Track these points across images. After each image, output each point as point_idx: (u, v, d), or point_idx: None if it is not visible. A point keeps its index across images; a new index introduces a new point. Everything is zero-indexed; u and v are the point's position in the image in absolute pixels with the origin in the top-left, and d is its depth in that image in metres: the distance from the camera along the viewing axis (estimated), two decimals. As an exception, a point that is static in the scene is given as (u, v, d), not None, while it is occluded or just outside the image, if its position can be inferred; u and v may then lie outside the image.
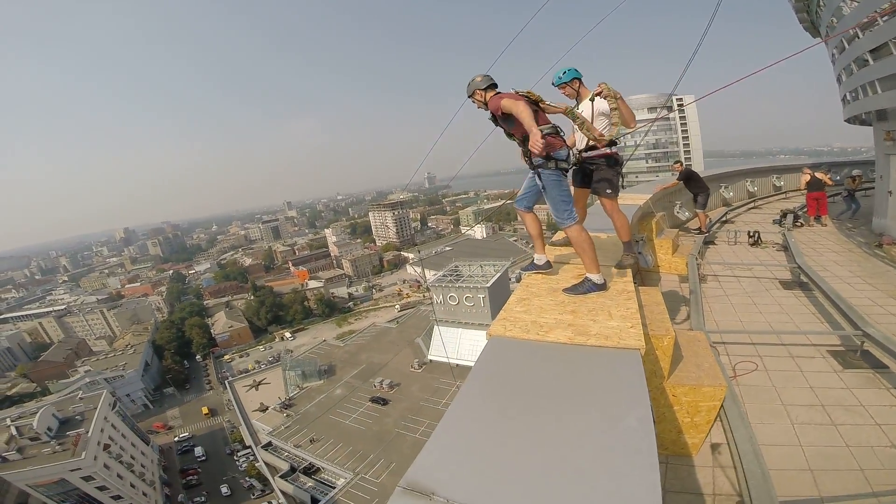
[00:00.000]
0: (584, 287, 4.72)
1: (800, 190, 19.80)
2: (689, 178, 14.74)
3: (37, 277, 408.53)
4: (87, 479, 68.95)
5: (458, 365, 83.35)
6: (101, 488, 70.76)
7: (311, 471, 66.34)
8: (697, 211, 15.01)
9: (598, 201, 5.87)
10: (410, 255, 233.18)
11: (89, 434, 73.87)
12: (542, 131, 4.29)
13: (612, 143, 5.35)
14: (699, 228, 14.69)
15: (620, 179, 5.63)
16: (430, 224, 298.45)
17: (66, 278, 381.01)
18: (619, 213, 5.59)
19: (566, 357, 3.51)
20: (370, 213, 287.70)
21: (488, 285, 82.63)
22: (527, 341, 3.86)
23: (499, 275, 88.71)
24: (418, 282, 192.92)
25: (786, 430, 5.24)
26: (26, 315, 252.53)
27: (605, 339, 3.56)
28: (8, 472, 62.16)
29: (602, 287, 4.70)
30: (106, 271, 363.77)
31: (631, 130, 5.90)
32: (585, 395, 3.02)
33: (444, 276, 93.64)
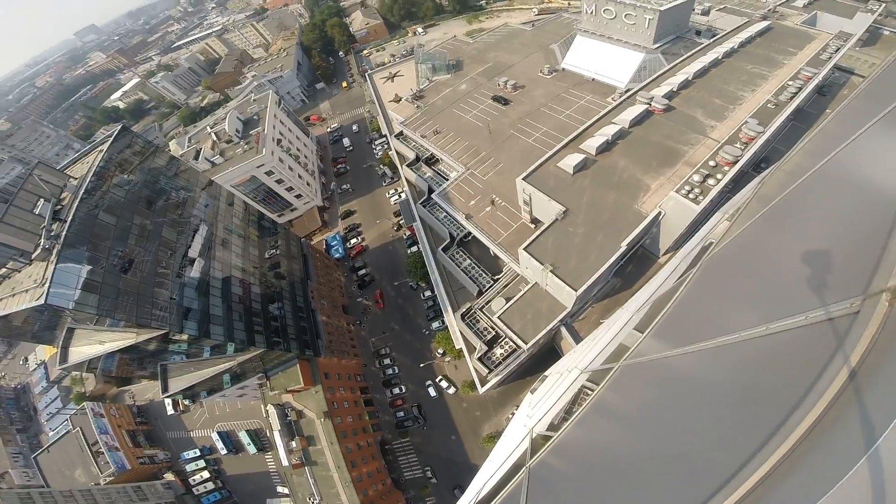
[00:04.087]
0: None
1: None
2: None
3: (189, 11, 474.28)
4: (269, 173, 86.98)
5: (594, 79, 76.79)
6: (279, 181, 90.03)
7: (431, 161, 74.04)
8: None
9: None
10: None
11: (265, 131, 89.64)
12: None
13: None
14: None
15: None
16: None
17: (213, 4, 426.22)
18: None
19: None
20: None
21: (662, 8, 68.52)
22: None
23: (680, 2, 70.83)
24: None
25: None
26: (193, 40, 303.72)
27: None
28: (218, 174, 79.82)
29: None
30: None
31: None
32: None
33: (603, -14, 78.57)
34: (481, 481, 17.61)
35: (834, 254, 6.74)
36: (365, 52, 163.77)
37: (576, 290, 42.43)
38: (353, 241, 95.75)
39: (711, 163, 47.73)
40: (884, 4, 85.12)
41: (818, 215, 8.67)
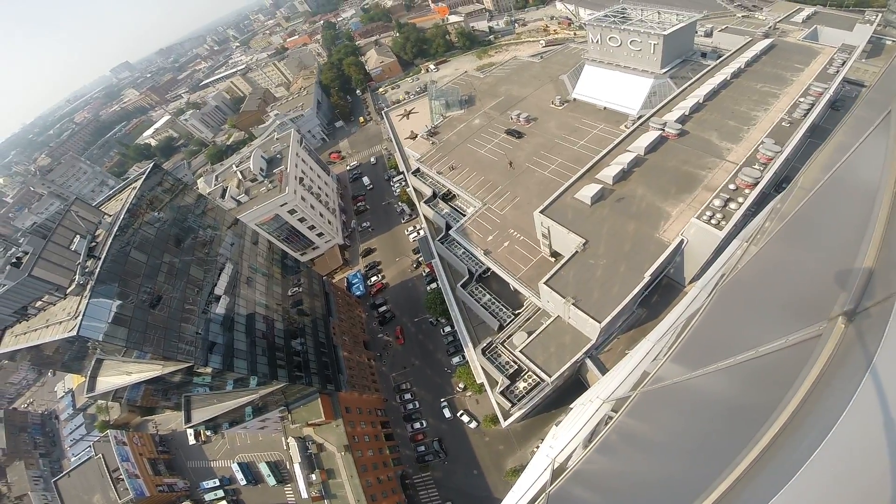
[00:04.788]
0: None
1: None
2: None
3: (215, 49, 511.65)
4: (292, 212, 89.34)
5: (605, 108, 77.71)
6: (301, 220, 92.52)
7: (448, 197, 74.82)
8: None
9: None
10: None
11: (287, 170, 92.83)
12: None
13: None
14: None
15: None
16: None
17: (237, 44, 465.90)
18: None
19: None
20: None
21: (665, 33, 69.55)
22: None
23: (682, 25, 72.38)
24: (569, 19, 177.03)
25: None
26: (219, 78, 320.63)
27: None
28: (243, 213, 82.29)
29: None
30: (267, 32, 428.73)
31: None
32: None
33: (605, 16, 79.85)
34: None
35: (818, 275, 7.12)
36: (380, 90, 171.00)
37: (599, 322, 41.62)
38: (374, 278, 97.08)
39: (731, 186, 46.59)
40: (880, 14, 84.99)
41: (812, 235, 8.92)
